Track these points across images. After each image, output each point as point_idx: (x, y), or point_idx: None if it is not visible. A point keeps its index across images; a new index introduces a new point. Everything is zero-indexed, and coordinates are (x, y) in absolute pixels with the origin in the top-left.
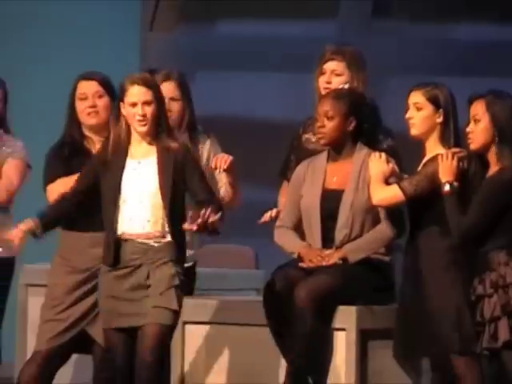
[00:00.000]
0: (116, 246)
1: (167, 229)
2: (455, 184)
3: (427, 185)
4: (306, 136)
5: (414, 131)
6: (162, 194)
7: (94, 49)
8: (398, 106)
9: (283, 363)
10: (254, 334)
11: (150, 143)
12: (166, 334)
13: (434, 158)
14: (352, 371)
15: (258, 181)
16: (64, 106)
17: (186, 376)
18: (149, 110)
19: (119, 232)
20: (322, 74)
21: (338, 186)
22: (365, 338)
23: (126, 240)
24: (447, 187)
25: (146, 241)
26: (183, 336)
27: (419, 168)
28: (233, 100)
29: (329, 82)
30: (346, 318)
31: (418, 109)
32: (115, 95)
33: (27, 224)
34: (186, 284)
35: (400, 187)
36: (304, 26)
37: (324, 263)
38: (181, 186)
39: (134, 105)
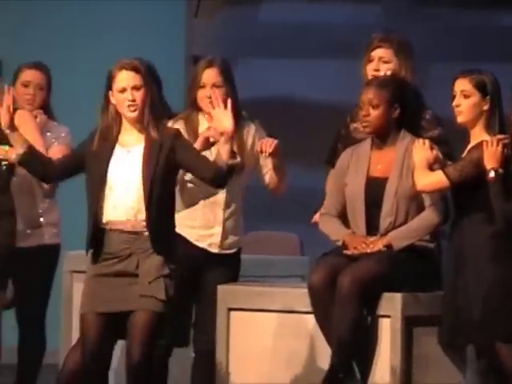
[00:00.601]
0: (101, 235)
1: (144, 218)
2: (500, 171)
3: (472, 170)
4: (355, 125)
5: (461, 119)
6: (142, 182)
7: (139, 36)
8: (442, 93)
9: (328, 350)
10: (300, 320)
11: (140, 131)
12: (156, 320)
13: (479, 145)
14: (397, 358)
15: (303, 167)
16: None
17: (230, 362)
18: (138, 95)
19: (104, 221)
20: (370, 61)
21: (382, 173)
22: (410, 324)
23: (113, 230)
24: (492, 174)
25: (135, 229)
26: (228, 322)
27: (464, 154)
28: (276, 86)
29: (377, 70)
30: (390, 305)
31: (466, 96)
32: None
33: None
34: (175, 273)
35: (444, 173)
36: (348, 11)
37: (368, 250)
38: (169, 175)
39: (123, 90)
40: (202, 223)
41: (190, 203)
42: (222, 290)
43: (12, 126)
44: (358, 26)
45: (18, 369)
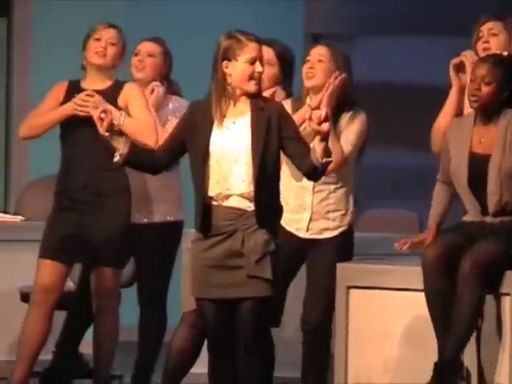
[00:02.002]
0: (207, 211)
1: (251, 191)
2: None
3: None
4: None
5: None
6: (252, 155)
7: (259, 14)
8: None
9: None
10: (418, 299)
11: (244, 102)
12: (263, 306)
13: None
14: None
15: (417, 146)
16: None
17: (349, 339)
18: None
19: (209, 195)
20: (479, 37)
21: (484, 150)
22: None
23: (218, 205)
24: None
25: (239, 205)
26: (347, 300)
27: None
28: (397, 64)
29: (486, 42)
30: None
31: None
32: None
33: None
34: (280, 248)
35: None
36: None
37: None
38: (274, 147)
39: (253, 62)
40: (292, 207)
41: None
42: (341, 267)
43: (112, 129)
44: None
45: (138, 347)
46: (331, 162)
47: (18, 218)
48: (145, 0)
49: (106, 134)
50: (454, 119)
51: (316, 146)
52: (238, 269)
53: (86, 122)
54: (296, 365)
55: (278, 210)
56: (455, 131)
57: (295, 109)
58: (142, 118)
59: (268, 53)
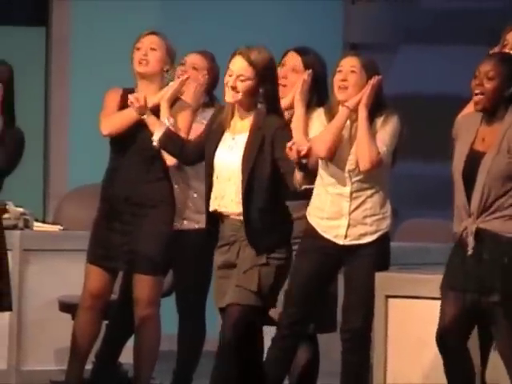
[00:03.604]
0: (215, 220)
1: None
2: None
3: None
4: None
5: None
6: (241, 174)
7: (297, 22)
8: None
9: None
10: None
11: (249, 118)
12: (247, 314)
13: None
14: None
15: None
16: None
17: (388, 349)
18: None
19: (212, 208)
20: (504, 46)
21: (484, 148)
22: None
23: (224, 215)
24: None
25: (240, 217)
26: (386, 309)
27: None
28: (434, 74)
29: None
30: None
31: None
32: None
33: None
34: (286, 262)
35: None
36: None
37: None
38: (266, 167)
39: (229, 74)
40: (329, 215)
41: None
42: (380, 277)
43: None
44: None
45: (177, 356)
46: (312, 189)
47: (57, 227)
48: (185, 10)
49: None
50: (461, 116)
51: (296, 173)
52: (229, 278)
53: (135, 132)
54: (333, 374)
55: (279, 228)
56: (462, 128)
57: (328, 118)
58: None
59: (294, 59)
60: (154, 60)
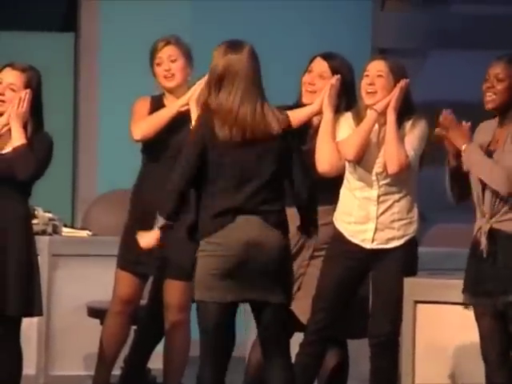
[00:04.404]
0: None
1: None
2: None
3: None
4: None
5: None
6: None
7: (326, 28)
8: None
9: None
10: None
11: None
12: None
13: None
14: None
15: None
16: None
17: (416, 354)
18: None
19: None
20: None
21: (496, 148)
22: None
23: None
24: None
25: None
26: (414, 315)
27: None
28: (465, 79)
29: None
30: None
31: None
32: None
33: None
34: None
35: None
36: None
37: None
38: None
39: None
40: (356, 219)
41: None
42: (409, 282)
43: None
44: None
45: None
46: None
47: (86, 232)
48: (212, 11)
49: None
50: (482, 123)
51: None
52: None
53: (167, 138)
54: (362, 380)
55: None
56: (480, 132)
57: (356, 122)
58: None
59: (322, 65)
60: (178, 71)
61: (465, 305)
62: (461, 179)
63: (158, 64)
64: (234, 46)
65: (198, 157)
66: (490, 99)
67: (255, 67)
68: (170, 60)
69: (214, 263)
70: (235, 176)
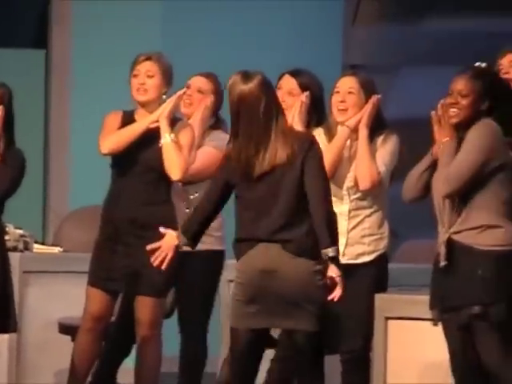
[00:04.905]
0: None
1: None
2: None
3: None
4: None
5: None
6: None
7: (297, 42)
8: None
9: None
10: None
11: None
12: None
13: None
14: None
15: None
16: None
17: (387, 370)
18: None
19: None
20: (500, 70)
21: None
22: None
23: None
24: None
25: None
26: (385, 331)
27: None
28: (435, 96)
29: (506, 73)
30: None
31: None
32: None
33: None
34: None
35: None
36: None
37: None
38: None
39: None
40: None
41: None
42: (380, 298)
43: None
44: None
45: (179, 377)
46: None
47: (57, 249)
48: (184, 28)
49: None
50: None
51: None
52: None
53: (137, 153)
54: None
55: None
56: (443, 150)
57: (328, 138)
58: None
59: (290, 82)
60: (152, 87)
61: (433, 321)
62: (432, 175)
63: (135, 76)
64: (245, 76)
65: (223, 187)
66: (454, 114)
67: (267, 97)
68: (146, 75)
69: (238, 290)
70: (254, 209)
